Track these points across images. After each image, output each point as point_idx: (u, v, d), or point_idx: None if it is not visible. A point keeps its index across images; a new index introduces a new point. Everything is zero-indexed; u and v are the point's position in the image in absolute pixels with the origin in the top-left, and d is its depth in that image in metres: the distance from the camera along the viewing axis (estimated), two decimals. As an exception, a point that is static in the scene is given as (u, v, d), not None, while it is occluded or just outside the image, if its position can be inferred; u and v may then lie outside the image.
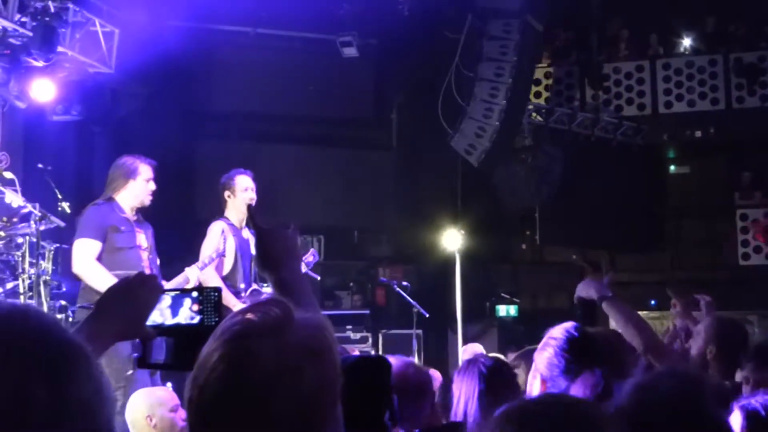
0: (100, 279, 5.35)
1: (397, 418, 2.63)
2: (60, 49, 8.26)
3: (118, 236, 5.63)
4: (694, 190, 13.45)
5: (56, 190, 6.80)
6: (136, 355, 2.00)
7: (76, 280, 5.71)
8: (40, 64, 8.07)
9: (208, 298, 1.89)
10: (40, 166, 7.09)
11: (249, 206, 5.96)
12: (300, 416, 1.26)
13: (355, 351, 8.40)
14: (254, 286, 6.21)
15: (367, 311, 11.05)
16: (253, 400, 1.25)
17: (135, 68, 9.27)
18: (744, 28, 12.93)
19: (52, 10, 8.09)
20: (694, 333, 4.07)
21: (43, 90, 8.20)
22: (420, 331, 9.56)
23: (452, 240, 10.07)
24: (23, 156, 8.64)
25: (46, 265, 6.53)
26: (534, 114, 12.08)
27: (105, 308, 1.86)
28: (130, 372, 5.12)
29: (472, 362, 3.19)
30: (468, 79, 10.69)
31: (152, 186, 5.82)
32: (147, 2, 9.67)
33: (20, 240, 6.49)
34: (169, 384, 5.24)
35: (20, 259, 6.45)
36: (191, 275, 5.79)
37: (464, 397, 3.08)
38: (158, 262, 5.91)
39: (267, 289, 6.03)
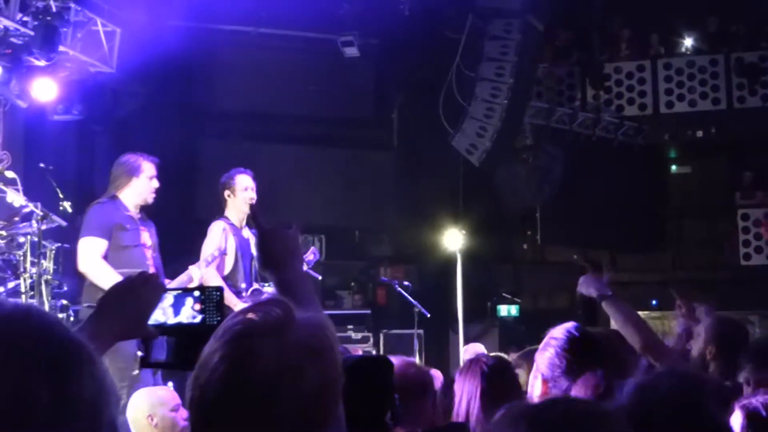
0: (106, 277, 5.33)
1: (398, 417, 2.63)
2: (61, 48, 8.26)
3: (124, 234, 5.62)
4: (696, 190, 13.44)
5: (57, 190, 6.80)
6: (142, 354, 2.00)
7: (81, 278, 5.70)
8: (41, 63, 8.07)
9: (210, 298, 1.89)
10: (41, 165, 7.09)
11: (252, 206, 5.97)
12: (301, 416, 1.26)
13: (359, 351, 8.41)
14: (255, 286, 6.20)
15: (369, 311, 11.05)
16: (254, 400, 1.25)
17: (136, 68, 9.27)
18: (745, 28, 12.92)
19: (54, 9, 8.09)
20: (695, 334, 4.07)
21: (44, 89, 8.21)
22: (421, 331, 9.56)
23: (453, 240, 10.07)
24: (24, 155, 8.64)
25: (48, 264, 6.52)
26: (535, 114, 12.07)
27: (107, 307, 1.86)
28: (136, 372, 5.10)
29: (473, 362, 3.19)
30: (469, 78, 10.69)
31: (155, 183, 5.81)
32: (148, 2, 9.68)
33: (22, 239, 6.49)
34: (170, 383, 5.24)
35: (22, 258, 6.45)
36: (194, 274, 5.79)
37: (466, 396, 3.08)
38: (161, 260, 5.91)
39: (268, 289, 6.03)
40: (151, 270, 5.46)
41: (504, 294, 13.03)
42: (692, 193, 13.42)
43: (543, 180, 11.76)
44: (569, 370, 2.75)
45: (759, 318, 12.10)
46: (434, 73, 11.39)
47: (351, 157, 12.28)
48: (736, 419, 2.10)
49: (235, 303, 5.60)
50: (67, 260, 7.11)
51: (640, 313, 3.83)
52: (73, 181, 9.06)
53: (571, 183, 11.55)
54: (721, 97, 12.66)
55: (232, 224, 6.23)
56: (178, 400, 3.86)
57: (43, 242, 6.38)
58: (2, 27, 7.89)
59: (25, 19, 7.98)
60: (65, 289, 6.94)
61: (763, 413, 2.11)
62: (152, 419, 3.77)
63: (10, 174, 6.60)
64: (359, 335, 10.35)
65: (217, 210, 6.36)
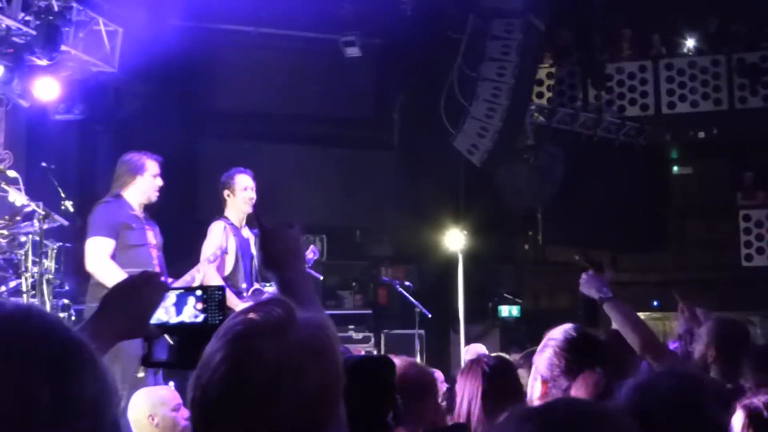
0: (115, 277, 5.31)
1: (400, 418, 2.63)
2: (63, 47, 8.25)
3: (130, 234, 5.62)
4: (697, 190, 13.44)
5: (59, 189, 6.81)
6: (144, 353, 2.00)
7: (83, 278, 5.70)
8: (43, 62, 8.08)
9: (212, 297, 1.89)
10: (43, 164, 7.11)
11: (254, 206, 5.98)
12: (302, 416, 1.26)
13: (361, 351, 8.41)
14: (256, 286, 6.20)
15: (370, 311, 11.05)
16: (255, 400, 1.25)
17: (138, 67, 9.27)
18: (745, 28, 12.92)
19: (56, 8, 8.09)
20: (696, 336, 4.06)
21: (46, 89, 8.21)
22: (422, 332, 9.55)
23: (454, 240, 10.07)
24: (26, 154, 8.65)
25: (49, 263, 6.53)
26: (536, 114, 12.07)
27: (109, 306, 1.86)
28: (141, 375, 5.09)
29: (475, 362, 3.18)
30: (470, 78, 10.69)
31: (159, 182, 5.81)
32: (150, 2, 9.68)
33: (23, 238, 6.49)
34: (171, 383, 5.24)
35: (23, 257, 6.46)
36: (196, 275, 5.79)
37: (467, 397, 3.08)
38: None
39: (268, 289, 6.03)
40: (157, 269, 5.47)
41: (505, 294, 13.02)
42: (693, 193, 13.41)
43: (544, 180, 11.76)
44: (568, 370, 2.75)
45: (760, 319, 12.10)
46: (435, 73, 11.39)
47: (352, 157, 12.28)
48: (738, 419, 2.10)
49: (235, 303, 5.60)
50: (68, 260, 7.12)
51: (640, 313, 3.84)
52: (74, 180, 9.08)
53: (572, 183, 11.55)
54: (723, 97, 12.66)
55: (231, 224, 6.23)
56: (179, 399, 3.85)
57: (45, 241, 6.39)
58: (4, 26, 7.89)
59: (27, 18, 7.98)
60: (66, 288, 6.95)
61: (765, 413, 2.11)
62: (153, 419, 3.77)
63: (11, 173, 6.61)
64: (360, 335, 10.35)
65: (218, 210, 6.36)
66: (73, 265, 7.33)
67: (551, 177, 11.69)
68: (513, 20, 10.36)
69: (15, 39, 8.03)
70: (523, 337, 11.22)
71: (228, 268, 6.16)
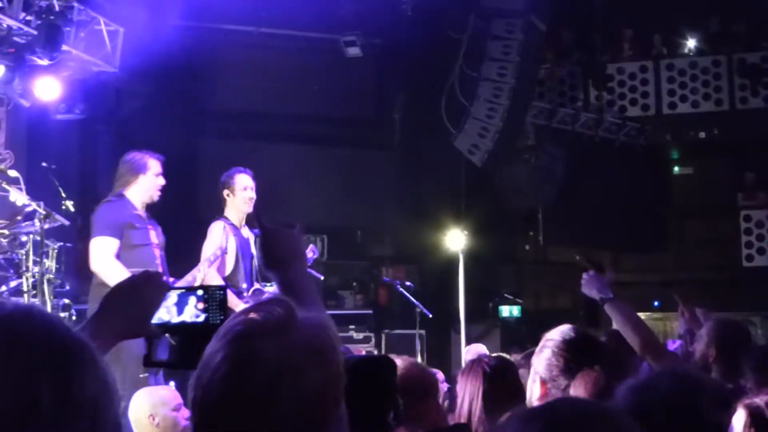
0: (120, 277, 5.30)
1: (401, 418, 2.63)
2: (64, 47, 8.26)
3: (134, 233, 5.62)
4: (698, 190, 13.44)
5: (60, 189, 6.81)
6: (144, 353, 2.00)
7: (84, 277, 5.70)
8: (44, 62, 8.08)
9: (213, 297, 1.89)
10: (44, 164, 7.11)
11: (255, 206, 5.98)
12: (303, 416, 1.26)
13: (362, 351, 8.41)
14: (256, 286, 6.20)
15: (370, 311, 11.05)
16: (256, 400, 1.25)
17: (139, 67, 9.28)
18: (747, 29, 12.92)
19: (57, 8, 8.09)
20: (697, 336, 4.07)
21: (47, 88, 8.21)
22: (423, 332, 9.55)
23: (455, 240, 10.08)
24: (27, 154, 8.65)
25: (50, 263, 6.53)
26: (537, 114, 12.07)
27: (110, 306, 1.86)
28: (143, 375, 5.08)
29: (475, 362, 3.18)
30: (471, 79, 10.69)
31: (161, 181, 5.81)
32: (151, 1, 9.69)
33: (24, 238, 6.50)
34: (172, 383, 5.24)
35: (24, 257, 6.46)
36: (198, 276, 5.80)
37: (468, 397, 3.07)
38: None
39: (269, 289, 6.03)
40: (159, 269, 5.46)
41: (506, 294, 13.02)
42: (694, 193, 13.41)
43: (545, 180, 11.77)
44: (567, 369, 2.74)
45: (761, 319, 12.11)
46: (436, 73, 11.39)
47: (352, 157, 12.28)
48: (740, 418, 2.09)
49: (236, 303, 5.59)
50: (69, 259, 7.12)
51: (641, 313, 3.84)
52: (75, 180, 9.09)
53: (573, 183, 11.56)
54: (724, 98, 12.66)
55: (231, 224, 6.22)
56: (179, 399, 3.85)
57: (46, 241, 6.39)
58: (5, 26, 7.89)
59: (28, 18, 7.98)
60: (67, 288, 6.95)
61: (767, 412, 2.10)
62: (154, 419, 3.77)
63: (12, 173, 6.61)
64: (361, 335, 10.35)
65: (218, 210, 6.36)
66: (74, 264, 7.34)
67: (552, 177, 11.69)
68: (514, 20, 10.36)
69: (16, 39, 8.03)
70: (524, 337, 11.21)
71: (228, 268, 6.15)
